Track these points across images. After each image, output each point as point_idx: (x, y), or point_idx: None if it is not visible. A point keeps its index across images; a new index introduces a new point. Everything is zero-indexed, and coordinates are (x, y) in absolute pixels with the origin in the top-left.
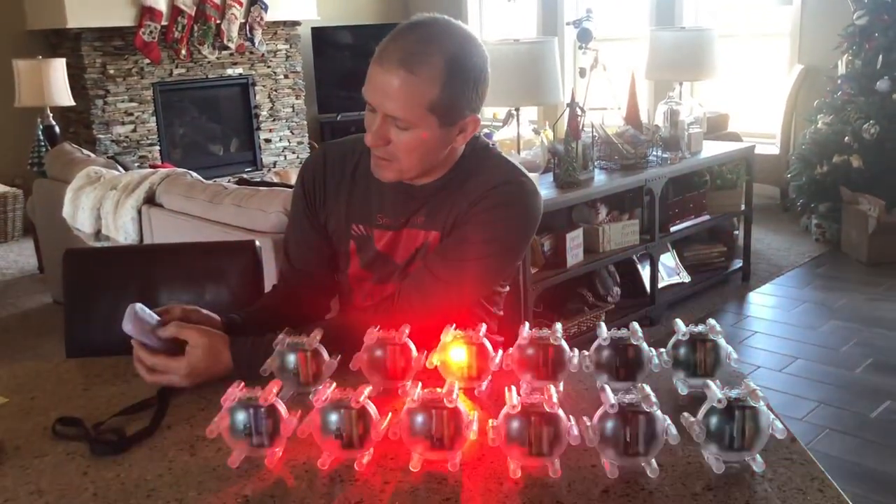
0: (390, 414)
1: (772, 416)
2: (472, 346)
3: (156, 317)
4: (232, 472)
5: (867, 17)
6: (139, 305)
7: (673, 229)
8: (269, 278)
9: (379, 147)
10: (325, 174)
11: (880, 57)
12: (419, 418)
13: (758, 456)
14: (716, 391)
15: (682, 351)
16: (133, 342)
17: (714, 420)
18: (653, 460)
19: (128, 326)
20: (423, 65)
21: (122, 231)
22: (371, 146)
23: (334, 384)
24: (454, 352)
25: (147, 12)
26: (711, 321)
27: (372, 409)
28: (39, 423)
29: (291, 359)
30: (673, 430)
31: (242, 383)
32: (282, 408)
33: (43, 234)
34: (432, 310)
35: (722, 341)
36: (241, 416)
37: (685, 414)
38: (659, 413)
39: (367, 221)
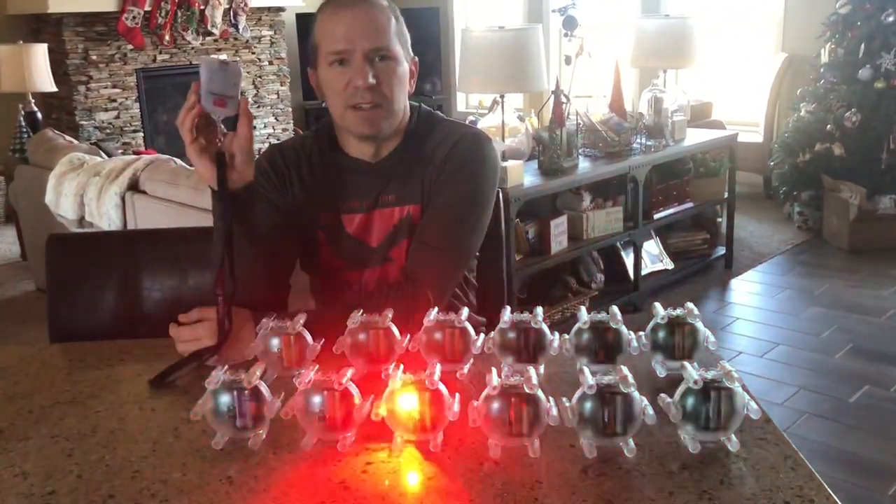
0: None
1: (747, 396)
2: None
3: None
4: (216, 453)
5: (850, 7)
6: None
7: (656, 216)
8: None
9: (375, 89)
10: (284, 169)
11: (862, 46)
12: (401, 400)
13: (733, 436)
14: (692, 372)
15: (661, 334)
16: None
17: (690, 401)
18: (630, 440)
19: (214, 82)
20: None
21: (106, 218)
22: (368, 87)
23: (317, 367)
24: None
25: None
26: (689, 305)
27: (354, 391)
28: (23, 407)
29: (275, 342)
30: (650, 410)
31: (227, 367)
32: (265, 390)
33: (25, 222)
34: (443, 279)
35: (699, 325)
36: (224, 399)
37: (662, 395)
38: (636, 394)
39: (334, 208)
